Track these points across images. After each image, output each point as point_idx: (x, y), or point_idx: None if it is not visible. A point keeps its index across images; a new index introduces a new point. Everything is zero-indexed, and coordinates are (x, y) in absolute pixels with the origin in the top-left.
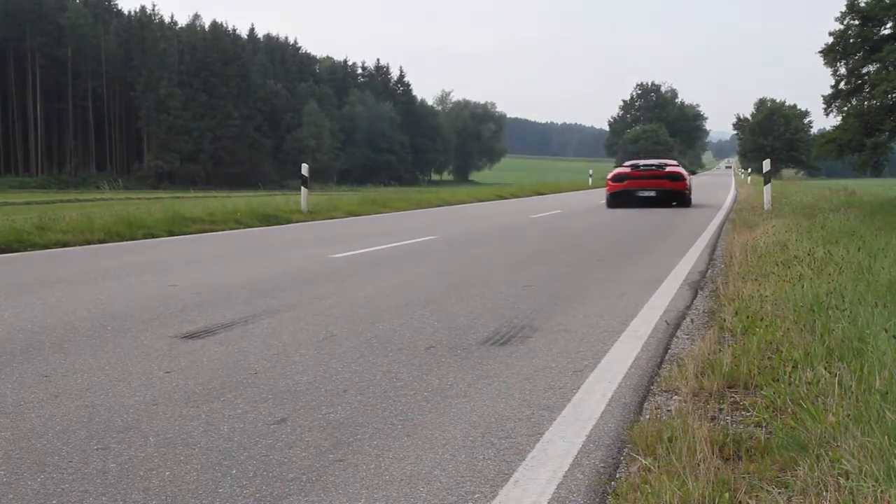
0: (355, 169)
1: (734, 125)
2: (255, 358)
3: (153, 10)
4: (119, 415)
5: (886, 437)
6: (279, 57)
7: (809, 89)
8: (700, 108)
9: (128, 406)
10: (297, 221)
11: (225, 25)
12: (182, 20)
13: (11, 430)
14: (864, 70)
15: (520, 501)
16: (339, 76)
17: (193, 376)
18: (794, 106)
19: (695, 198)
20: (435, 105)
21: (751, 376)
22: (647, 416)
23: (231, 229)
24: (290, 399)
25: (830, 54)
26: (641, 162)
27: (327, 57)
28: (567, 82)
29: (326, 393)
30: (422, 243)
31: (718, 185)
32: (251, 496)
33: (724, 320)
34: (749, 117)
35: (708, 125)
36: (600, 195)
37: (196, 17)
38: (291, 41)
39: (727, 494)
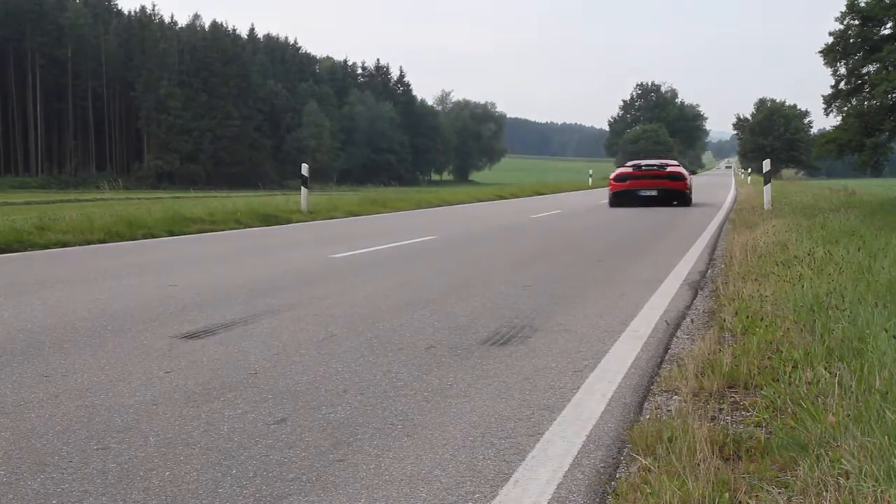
0: (355, 169)
1: (734, 125)
2: (255, 358)
3: (153, 10)
4: (119, 415)
5: (886, 437)
6: (279, 57)
7: (809, 89)
8: (700, 108)
9: (128, 406)
10: (297, 221)
11: (225, 25)
12: (182, 20)
13: (11, 430)
14: (864, 70)
15: (520, 501)
16: (339, 76)
17: (193, 376)
18: (794, 106)
19: (695, 198)
20: (435, 105)
21: (751, 376)
22: (647, 416)
23: (231, 229)
24: (290, 399)
25: (830, 54)
26: (643, 162)
27: (327, 57)
28: (567, 82)
29: (326, 393)
30: (422, 243)
31: (718, 185)
32: (251, 496)
33: (724, 320)
34: (749, 117)
35: (708, 125)
36: (600, 195)
37: (196, 17)
38: (291, 41)
39: (727, 494)
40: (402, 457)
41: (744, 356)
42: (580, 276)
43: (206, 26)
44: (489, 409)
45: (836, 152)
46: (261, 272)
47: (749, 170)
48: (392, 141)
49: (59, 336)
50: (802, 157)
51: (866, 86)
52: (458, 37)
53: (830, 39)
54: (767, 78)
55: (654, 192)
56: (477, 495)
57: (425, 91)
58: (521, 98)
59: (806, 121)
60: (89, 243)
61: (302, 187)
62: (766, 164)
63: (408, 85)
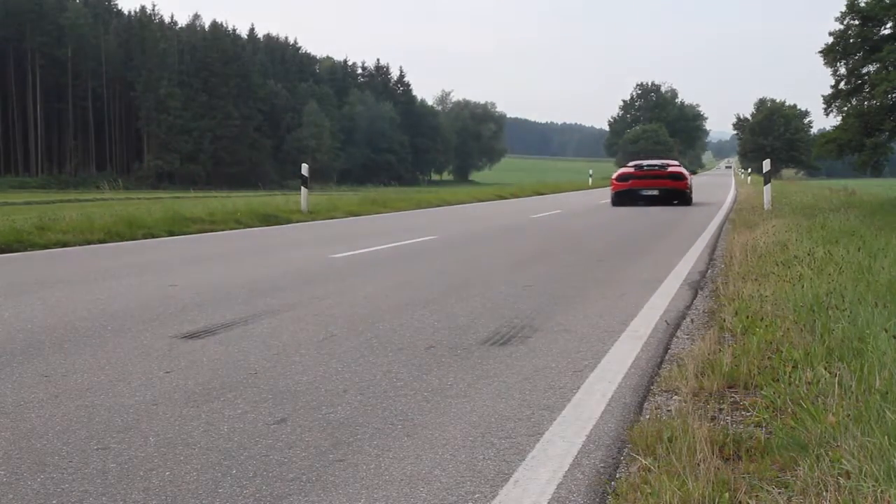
0: (355, 169)
1: (734, 125)
2: (255, 358)
3: (153, 10)
4: (119, 415)
5: (886, 437)
6: (279, 57)
7: (809, 89)
8: (700, 108)
9: (128, 406)
10: (297, 221)
11: (225, 25)
12: (182, 20)
13: (11, 430)
14: (864, 70)
15: (520, 501)
16: (339, 76)
17: (193, 376)
18: (794, 106)
19: (695, 197)
20: (435, 105)
21: (751, 376)
22: (647, 416)
23: (231, 229)
24: (290, 399)
25: (830, 54)
26: (645, 162)
27: (327, 57)
28: (567, 82)
29: (326, 393)
30: (422, 243)
31: (718, 185)
32: (251, 496)
33: (724, 320)
34: (749, 117)
35: (708, 125)
36: (600, 195)
37: (196, 17)
38: (291, 41)
39: (727, 494)
40: (402, 457)
41: (744, 356)
42: (580, 276)
43: (206, 26)
44: (489, 409)
45: (836, 152)
46: (261, 272)
47: (749, 170)
48: (392, 141)
49: (59, 336)
50: (802, 157)
51: (866, 86)
52: (458, 37)
53: (830, 39)
54: (767, 78)
55: (655, 192)
56: (477, 495)
57: (425, 91)
58: (521, 98)
59: (806, 121)
60: (89, 243)
61: (302, 187)
62: (766, 164)
63: (408, 85)
